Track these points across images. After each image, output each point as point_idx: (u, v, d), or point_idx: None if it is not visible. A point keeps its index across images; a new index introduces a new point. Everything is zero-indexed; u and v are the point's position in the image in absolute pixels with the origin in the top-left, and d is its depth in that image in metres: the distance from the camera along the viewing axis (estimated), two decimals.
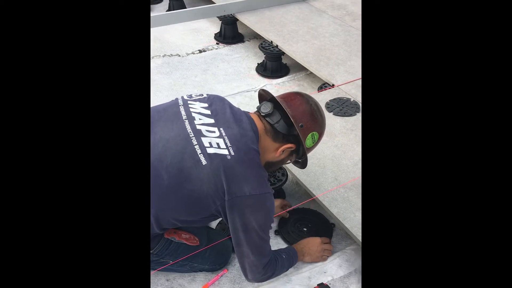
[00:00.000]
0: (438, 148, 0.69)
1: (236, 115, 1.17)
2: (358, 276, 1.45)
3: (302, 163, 1.32)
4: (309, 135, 1.18)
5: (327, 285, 1.35)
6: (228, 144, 1.09)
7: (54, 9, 0.66)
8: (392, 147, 0.72)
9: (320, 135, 1.24)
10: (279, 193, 1.77)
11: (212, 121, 1.14)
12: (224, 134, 1.11)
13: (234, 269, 1.47)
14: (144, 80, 0.71)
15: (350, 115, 1.94)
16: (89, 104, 0.67)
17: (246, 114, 1.20)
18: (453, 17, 0.70)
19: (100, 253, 0.65)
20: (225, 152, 1.08)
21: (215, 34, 3.02)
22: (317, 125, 1.20)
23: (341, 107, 1.98)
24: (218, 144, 1.09)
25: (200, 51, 2.82)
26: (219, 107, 1.18)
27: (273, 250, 1.29)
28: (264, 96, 1.25)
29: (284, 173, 1.69)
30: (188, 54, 2.78)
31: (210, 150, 1.07)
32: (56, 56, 0.66)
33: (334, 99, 2.04)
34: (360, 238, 1.36)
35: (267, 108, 1.18)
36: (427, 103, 0.70)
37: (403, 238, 0.69)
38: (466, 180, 0.66)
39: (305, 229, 1.59)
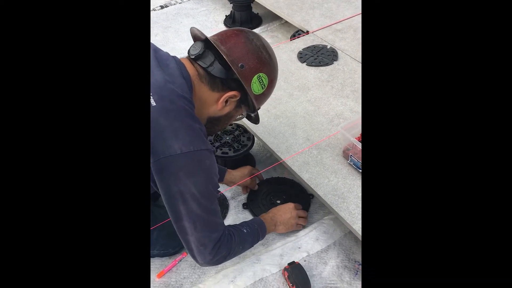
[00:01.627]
0: (440, 139, 0.62)
1: (162, 60, 0.94)
2: (337, 249, 1.25)
3: (255, 117, 1.10)
4: (255, 77, 0.96)
5: (298, 264, 1.15)
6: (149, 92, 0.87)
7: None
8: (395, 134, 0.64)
9: (271, 79, 1.01)
10: (248, 160, 1.55)
11: None
12: None
13: None
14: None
15: (326, 64, 1.68)
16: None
17: (175, 58, 0.97)
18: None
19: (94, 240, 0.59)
20: None
21: None
22: (264, 65, 0.97)
23: (315, 55, 1.72)
24: None
25: (162, 7, 2.51)
26: None
27: (231, 225, 1.08)
28: (198, 37, 1.00)
29: (250, 137, 1.46)
30: None
31: None
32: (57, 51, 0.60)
33: (308, 47, 1.77)
34: (334, 206, 1.15)
35: (196, 48, 0.95)
36: (429, 98, 0.63)
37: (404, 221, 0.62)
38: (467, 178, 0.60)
39: (278, 202, 1.37)
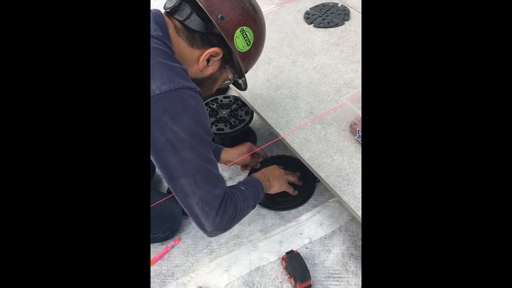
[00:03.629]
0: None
1: None
2: (343, 235, 1.12)
3: (243, 82, 1.01)
4: (237, 31, 0.86)
5: (297, 253, 1.04)
6: None
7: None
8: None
9: (258, 36, 0.91)
10: (248, 136, 1.42)
11: None
12: None
13: (189, 238, 1.18)
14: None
15: (336, 25, 1.48)
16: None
17: (154, 11, 0.89)
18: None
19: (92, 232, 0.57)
20: None
21: None
22: (248, 18, 0.88)
23: (324, 15, 1.52)
24: None
25: None
26: None
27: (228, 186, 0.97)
28: None
29: (249, 111, 1.32)
30: None
31: None
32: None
33: (316, 6, 1.57)
34: (337, 189, 1.01)
35: (172, 1, 0.87)
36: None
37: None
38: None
39: None
